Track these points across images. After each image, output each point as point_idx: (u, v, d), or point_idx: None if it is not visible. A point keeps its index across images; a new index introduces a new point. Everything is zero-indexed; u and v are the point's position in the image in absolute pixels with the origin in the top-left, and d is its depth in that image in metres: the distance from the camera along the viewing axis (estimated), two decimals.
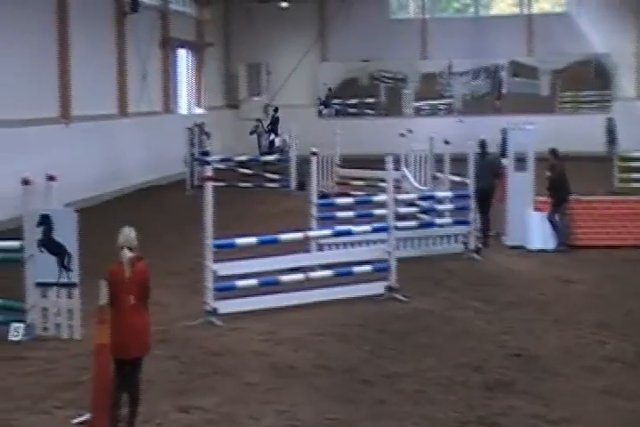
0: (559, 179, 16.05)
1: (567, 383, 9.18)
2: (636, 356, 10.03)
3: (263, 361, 9.90)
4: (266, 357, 10.07)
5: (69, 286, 10.78)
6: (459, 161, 16.27)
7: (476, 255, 15.42)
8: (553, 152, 16.39)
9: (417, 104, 35.96)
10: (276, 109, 33.35)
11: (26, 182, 10.93)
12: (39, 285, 10.83)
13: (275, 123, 32.60)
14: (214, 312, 11.39)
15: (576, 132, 31.91)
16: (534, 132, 16.80)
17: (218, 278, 11.52)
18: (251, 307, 11.76)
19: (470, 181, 15.56)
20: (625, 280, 13.81)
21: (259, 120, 33.02)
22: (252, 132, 32.23)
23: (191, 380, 9.25)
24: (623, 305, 12.27)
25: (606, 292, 13.10)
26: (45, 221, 10.76)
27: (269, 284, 12.12)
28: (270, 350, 10.32)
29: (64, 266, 10.76)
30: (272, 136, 31.89)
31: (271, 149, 30.99)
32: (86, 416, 7.92)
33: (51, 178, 11.32)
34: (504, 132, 23.57)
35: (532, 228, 16.17)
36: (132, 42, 26.54)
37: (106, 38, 25.44)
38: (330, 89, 36.28)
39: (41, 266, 10.75)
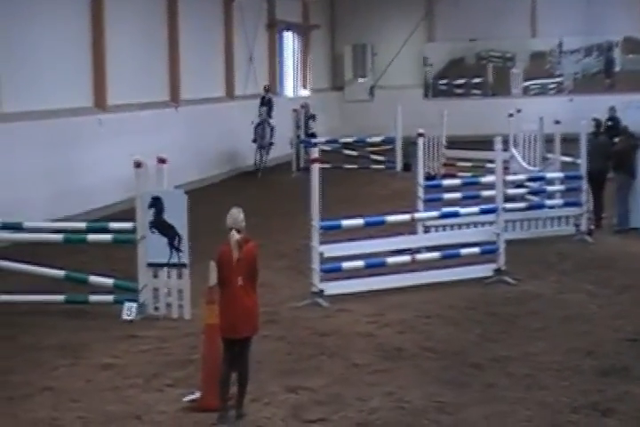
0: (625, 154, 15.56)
1: None
2: None
3: (370, 343, 9.88)
4: (372, 338, 10.04)
5: (179, 266, 10.95)
6: (569, 141, 15.86)
7: (587, 237, 15.03)
8: (624, 129, 16.03)
9: (526, 83, 35.22)
10: (266, 89, 25.82)
11: (138, 165, 11.15)
12: (151, 265, 11.04)
13: (267, 104, 25.30)
14: (321, 294, 11.42)
15: None
16: None
17: (324, 260, 11.53)
18: (357, 289, 11.74)
19: (582, 162, 15.15)
20: None
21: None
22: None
23: (298, 360, 9.29)
24: None
25: None
26: (156, 202, 10.94)
27: (375, 265, 12.07)
28: (377, 332, 10.28)
29: (174, 247, 10.93)
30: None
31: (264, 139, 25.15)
32: (197, 394, 8.05)
33: (161, 161, 11.51)
34: (612, 110, 22.89)
35: None
36: (238, 25, 26.78)
37: (213, 22, 25.75)
38: None
39: (152, 247, 10.96)
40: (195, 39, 23.84)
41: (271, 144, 25.23)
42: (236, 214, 7.83)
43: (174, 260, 10.95)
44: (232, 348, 7.76)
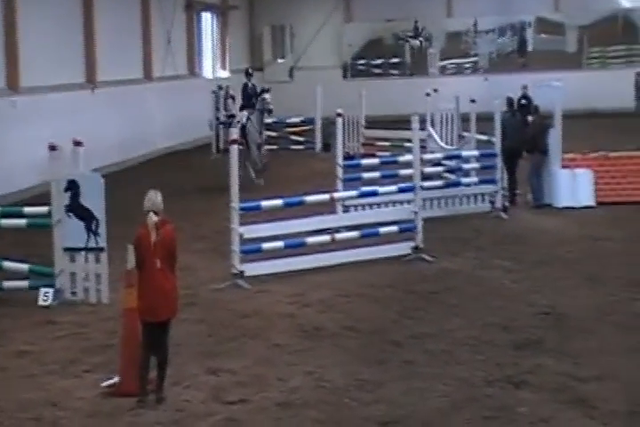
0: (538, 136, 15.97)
1: (597, 341, 9.13)
2: None
3: (291, 323, 9.93)
4: (293, 319, 10.09)
5: (97, 250, 10.83)
6: (484, 120, 16.10)
7: (503, 214, 15.33)
8: (535, 108, 16.45)
9: (442, 63, 35.57)
10: (249, 73, 20.58)
11: (53, 148, 10.95)
12: (67, 249, 10.89)
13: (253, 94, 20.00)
14: (241, 275, 11.42)
15: (604, 88, 31.52)
16: (561, 89, 16.58)
17: (244, 241, 11.53)
18: (277, 269, 11.77)
19: (497, 140, 15.41)
20: None
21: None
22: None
23: (219, 342, 9.30)
24: None
25: (636, 249, 12.97)
26: (72, 186, 10.79)
27: (296, 246, 12.12)
28: (297, 312, 10.34)
29: (92, 231, 10.80)
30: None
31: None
32: (115, 379, 8.00)
33: (77, 143, 11.33)
34: (525, 89, 23.27)
35: (559, 185, 16.02)
36: (156, 6, 26.40)
37: (130, 3, 25.33)
38: None
39: (69, 231, 10.81)
40: (111, 20, 23.41)
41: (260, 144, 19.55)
42: (154, 197, 7.78)
43: (92, 244, 10.83)
44: (151, 331, 7.73)
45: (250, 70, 20.79)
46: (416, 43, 35.25)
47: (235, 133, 11.87)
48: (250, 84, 20.06)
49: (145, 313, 7.68)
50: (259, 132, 19.20)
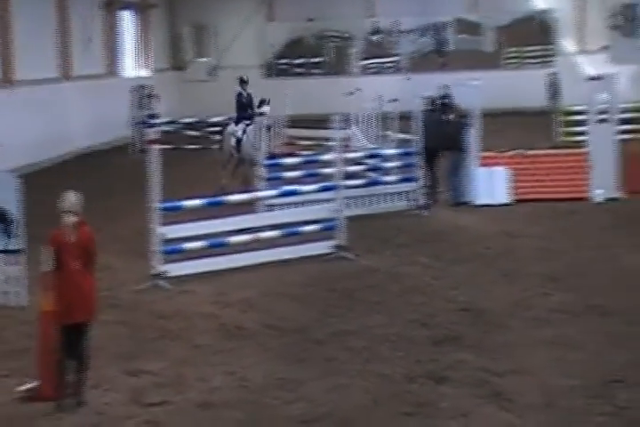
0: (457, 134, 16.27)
1: (514, 336, 9.31)
2: (581, 307, 10.19)
3: (212, 323, 9.90)
4: (215, 319, 10.06)
5: (15, 252, 10.63)
6: (406, 119, 16.28)
7: (423, 212, 15.52)
8: (455, 107, 16.71)
9: (364, 63, 35.82)
10: (244, 80, 18.90)
11: None
12: None
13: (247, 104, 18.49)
14: (162, 276, 11.34)
15: (520, 87, 32.25)
16: (479, 88, 16.84)
17: (165, 242, 11.44)
18: (199, 269, 11.72)
19: (417, 139, 15.59)
20: (569, 233, 13.98)
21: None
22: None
23: (139, 344, 9.22)
24: (568, 258, 12.43)
25: (551, 245, 13.25)
26: None
27: (218, 246, 12.08)
28: (219, 312, 10.31)
29: (8, 232, 10.60)
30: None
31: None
32: (33, 384, 7.87)
33: None
34: (445, 88, 23.55)
35: (477, 183, 16.28)
36: (74, 4, 25.97)
37: (47, 1, 24.87)
38: None
39: None
40: (28, 18, 22.98)
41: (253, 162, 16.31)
42: (71, 197, 7.71)
43: (10, 246, 10.62)
44: (69, 334, 7.63)
45: (245, 78, 18.65)
46: (377, 39, 35.34)
47: (153, 134, 11.77)
48: (245, 94, 18.37)
49: (63, 315, 7.59)
50: (255, 149, 16.24)
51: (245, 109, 18.02)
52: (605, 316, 9.85)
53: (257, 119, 16.89)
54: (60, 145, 24.36)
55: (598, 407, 7.46)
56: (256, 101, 17.87)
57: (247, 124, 17.55)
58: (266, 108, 17.15)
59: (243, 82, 18.37)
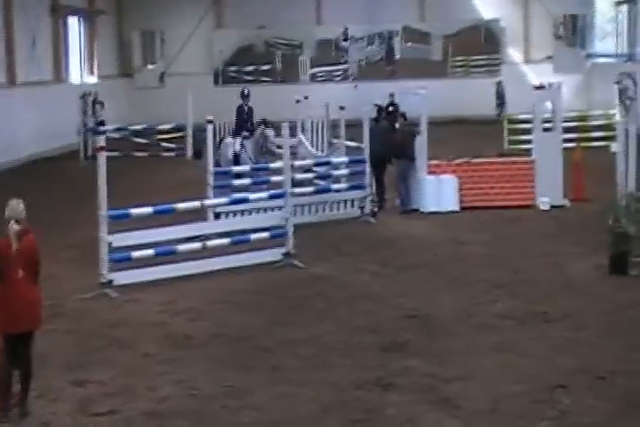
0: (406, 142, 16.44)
1: (461, 342, 9.40)
2: (526, 313, 10.32)
3: (160, 332, 9.84)
4: (162, 327, 10.01)
5: None
6: (353, 126, 16.36)
7: (372, 219, 15.61)
8: (402, 115, 16.83)
9: (313, 70, 35.94)
10: (245, 94, 18.10)
11: None
12: None
13: (248, 117, 18.01)
14: (109, 284, 11.25)
15: (467, 95, 32.73)
16: (426, 97, 16.98)
17: (113, 250, 11.36)
18: (147, 278, 11.65)
19: (365, 146, 15.69)
20: (515, 240, 14.15)
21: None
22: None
23: (86, 353, 9.14)
24: (513, 265, 12.57)
25: (497, 252, 13.40)
26: None
27: (166, 254, 12.02)
28: (167, 321, 10.27)
29: None
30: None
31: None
32: None
33: None
34: (392, 96, 23.78)
35: (425, 191, 16.42)
36: (19, 9, 25.68)
37: None
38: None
39: None
40: None
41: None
42: (16, 205, 7.64)
43: None
44: (13, 343, 7.55)
45: (246, 91, 17.87)
46: (345, 45, 35.65)
47: (101, 141, 11.68)
48: (245, 108, 17.73)
49: (7, 325, 7.50)
50: (253, 163, 16.18)
51: (245, 123, 17.62)
52: (550, 322, 9.99)
53: (256, 134, 16.78)
54: (6, 152, 24.02)
55: (542, 412, 7.57)
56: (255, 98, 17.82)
57: (245, 138, 17.17)
58: (269, 132, 16.69)
59: (244, 95, 17.87)
